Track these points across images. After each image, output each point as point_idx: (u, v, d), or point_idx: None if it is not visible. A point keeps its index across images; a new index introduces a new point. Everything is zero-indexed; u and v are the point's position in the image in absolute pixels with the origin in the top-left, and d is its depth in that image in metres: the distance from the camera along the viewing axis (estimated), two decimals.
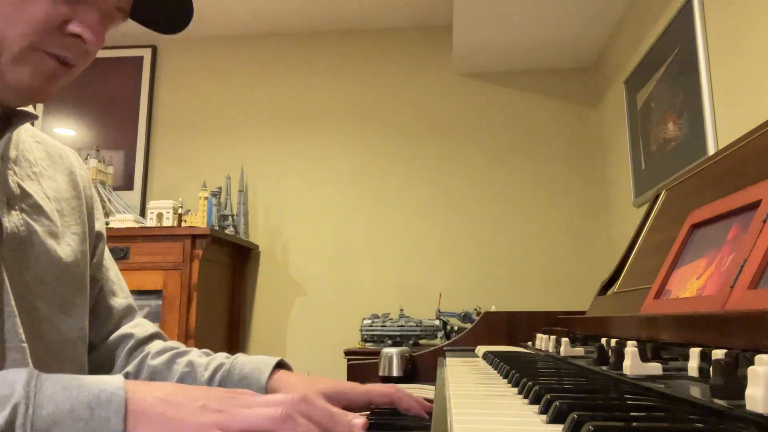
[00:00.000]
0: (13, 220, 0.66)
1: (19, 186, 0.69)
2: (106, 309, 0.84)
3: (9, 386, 0.42)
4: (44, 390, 0.43)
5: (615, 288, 1.07)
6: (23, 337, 0.65)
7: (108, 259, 0.88)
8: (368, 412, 0.73)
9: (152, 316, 2.46)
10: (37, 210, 0.71)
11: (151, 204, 2.75)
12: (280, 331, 3.01)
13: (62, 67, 0.62)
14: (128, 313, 0.87)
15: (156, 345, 0.85)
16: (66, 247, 0.74)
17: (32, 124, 0.78)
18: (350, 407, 0.73)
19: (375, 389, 0.76)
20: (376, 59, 3.21)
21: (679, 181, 0.98)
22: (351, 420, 0.50)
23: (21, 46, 0.58)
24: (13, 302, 0.64)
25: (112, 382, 0.44)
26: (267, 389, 0.74)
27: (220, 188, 2.96)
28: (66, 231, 0.75)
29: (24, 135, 0.74)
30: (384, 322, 2.56)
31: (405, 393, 0.74)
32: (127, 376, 0.80)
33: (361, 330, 2.57)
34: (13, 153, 0.69)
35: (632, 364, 0.55)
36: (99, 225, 0.85)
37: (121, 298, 0.87)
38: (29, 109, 0.70)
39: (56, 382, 0.44)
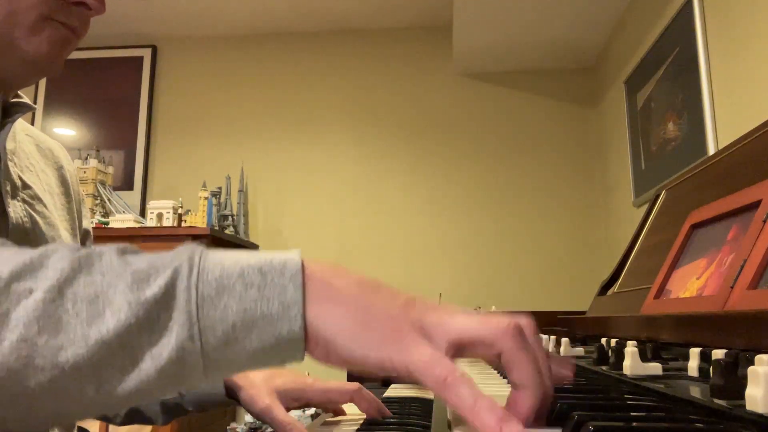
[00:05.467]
0: (17, 210, 0.66)
1: (20, 177, 0.69)
2: None
3: (172, 255, 0.37)
4: (210, 257, 0.37)
5: (615, 288, 1.07)
6: None
7: None
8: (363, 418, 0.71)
9: None
10: (37, 201, 0.70)
11: (151, 204, 2.75)
12: None
13: (72, 35, 0.64)
14: None
15: None
16: (63, 241, 0.74)
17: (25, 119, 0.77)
18: (309, 405, 0.71)
19: (335, 387, 0.73)
20: (376, 59, 3.21)
21: (679, 181, 0.98)
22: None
23: (32, 17, 0.60)
24: None
25: (286, 252, 0.39)
26: (225, 382, 0.72)
27: (220, 188, 2.96)
28: (60, 225, 0.75)
29: (18, 127, 0.74)
30: None
31: (365, 394, 0.71)
32: None
33: None
34: (11, 144, 0.69)
35: (632, 364, 0.55)
36: (86, 223, 0.85)
37: None
38: (27, 100, 0.70)
39: (221, 251, 0.39)
